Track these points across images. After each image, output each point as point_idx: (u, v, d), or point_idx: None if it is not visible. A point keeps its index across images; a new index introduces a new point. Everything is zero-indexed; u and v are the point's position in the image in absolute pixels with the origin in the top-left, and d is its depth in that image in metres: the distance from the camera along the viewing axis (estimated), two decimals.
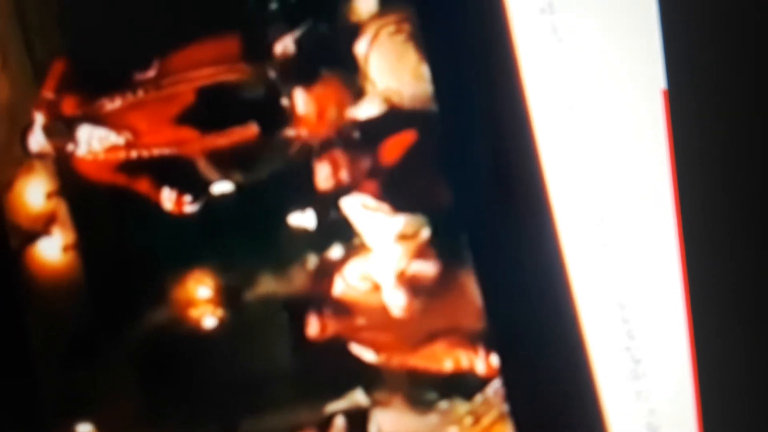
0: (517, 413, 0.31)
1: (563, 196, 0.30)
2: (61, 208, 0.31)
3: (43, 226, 0.31)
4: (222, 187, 0.31)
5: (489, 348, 0.31)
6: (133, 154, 0.31)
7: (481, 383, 0.31)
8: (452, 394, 0.31)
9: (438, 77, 0.31)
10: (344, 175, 0.31)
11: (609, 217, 0.30)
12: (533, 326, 0.30)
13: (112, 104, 0.31)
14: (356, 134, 0.31)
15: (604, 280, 0.30)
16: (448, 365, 0.31)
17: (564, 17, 0.31)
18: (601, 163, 0.31)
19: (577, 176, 0.31)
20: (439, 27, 0.31)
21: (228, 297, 0.31)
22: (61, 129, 0.31)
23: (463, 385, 0.31)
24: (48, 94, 0.31)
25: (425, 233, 0.31)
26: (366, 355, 0.31)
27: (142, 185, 0.31)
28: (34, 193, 0.31)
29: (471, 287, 0.31)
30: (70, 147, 0.32)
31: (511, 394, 0.31)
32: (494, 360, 0.31)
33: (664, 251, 0.30)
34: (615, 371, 0.30)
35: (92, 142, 0.31)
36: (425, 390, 0.31)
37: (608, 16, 0.30)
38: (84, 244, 0.31)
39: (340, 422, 0.31)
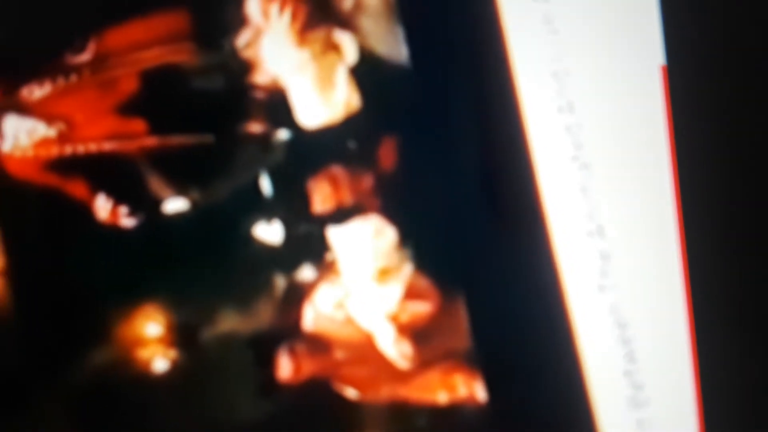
0: None
1: (557, 198, 0.30)
2: None
3: None
4: (175, 205, 0.30)
5: (479, 373, 0.30)
6: (68, 149, 0.30)
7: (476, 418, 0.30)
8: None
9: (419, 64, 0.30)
10: (345, 194, 0.30)
11: (606, 221, 0.30)
12: (525, 350, 0.30)
13: (41, 91, 0.30)
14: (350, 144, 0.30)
15: (601, 298, 0.30)
16: (441, 396, 0.30)
17: None
18: (598, 160, 0.30)
19: (572, 169, 0.30)
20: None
21: (182, 335, 0.30)
22: None
23: (458, 418, 0.30)
24: None
25: (410, 265, 0.30)
26: (349, 393, 0.30)
27: (77, 188, 0.29)
28: None
29: (460, 311, 0.30)
30: None
31: (502, 422, 0.30)
32: (484, 386, 0.30)
33: (667, 261, 0.30)
34: (614, 398, 0.29)
35: (19, 135, 0.30)
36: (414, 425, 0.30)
37: None
38: (15, 271, 0.29)
39: None
